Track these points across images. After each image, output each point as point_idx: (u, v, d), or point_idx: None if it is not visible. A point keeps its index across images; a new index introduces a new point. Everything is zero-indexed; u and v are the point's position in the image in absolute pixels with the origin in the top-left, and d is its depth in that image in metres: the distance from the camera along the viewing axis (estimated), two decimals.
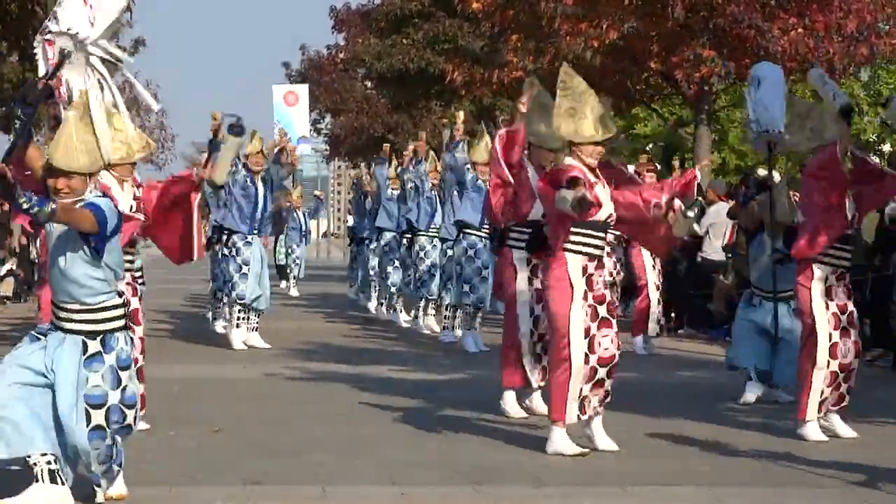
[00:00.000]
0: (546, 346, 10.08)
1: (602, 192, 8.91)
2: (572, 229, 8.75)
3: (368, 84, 45.32)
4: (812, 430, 9.39)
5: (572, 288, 8.68)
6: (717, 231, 18.16)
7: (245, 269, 15.60)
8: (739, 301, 12.25)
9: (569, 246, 8.77)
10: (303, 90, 42.86)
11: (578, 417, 8.75)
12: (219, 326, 17.24)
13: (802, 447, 9.04)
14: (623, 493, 7.46)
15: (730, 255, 18.07)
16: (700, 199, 14.80)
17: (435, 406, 10.90)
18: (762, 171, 19.80)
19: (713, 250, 17.72)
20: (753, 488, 7.66)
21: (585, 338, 8.68)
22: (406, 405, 10.93)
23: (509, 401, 10.42)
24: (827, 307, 9.39)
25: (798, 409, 9.48)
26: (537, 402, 10.44)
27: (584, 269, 8.73)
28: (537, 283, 10.21)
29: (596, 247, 8.81)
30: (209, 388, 12.14)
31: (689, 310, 18.30)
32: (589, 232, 8.79)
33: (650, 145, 43.77)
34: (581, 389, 8.69)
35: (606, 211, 8.90)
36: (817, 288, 9.39)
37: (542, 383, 10.29)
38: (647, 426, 9.90)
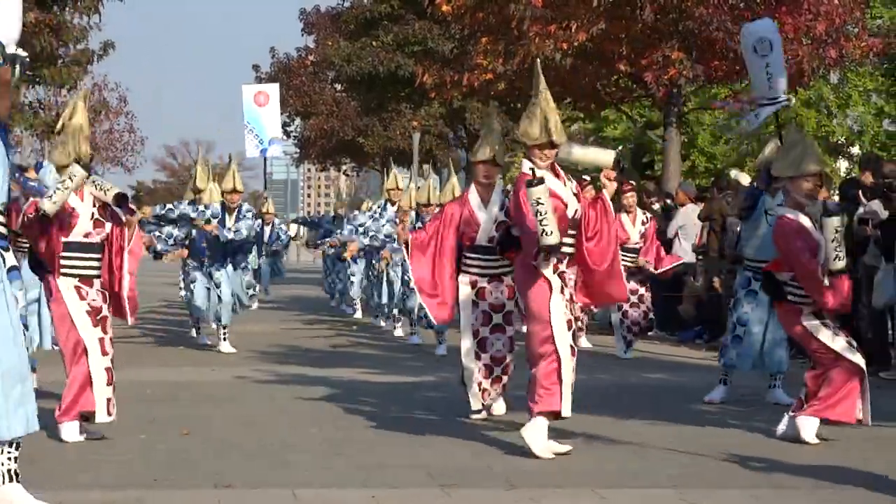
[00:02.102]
0: (492, 366, 10.13)
1: (563, 190, 8.80)
2: None
3: (338, 87, 45.34)
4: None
5: (548, 282, 8.60)
6: (686, 233, 18.20)
7: (209, 284, 15.65)
8: (738, 294, 11.54)
9: None
10: (273, 90, 42.75)
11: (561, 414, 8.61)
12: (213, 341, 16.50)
13: (776, 448, 9.04)
14: (593, 494, 7.45)
15: (700, 257, 18.09)
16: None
17: (406, 408, 10.89)
18: (734, 173, 19.89)
19: (683, 252, 17.73)
20: (726, 490, 7.66)
21: (569, 330, 8.60)
22: (377, 407, 10.92)
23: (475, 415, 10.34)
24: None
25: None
26: (497, 407, 10.42)
27: (555, 268, 8.65)
28: (490, 300, 10.21)
29: (566, 244, 8.70)
30: (181, 390, 12.10)
31: (660, 312, 18.33)
32: None
33: (620, 147, 43.87)
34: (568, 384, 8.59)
35: (573, 208, 8.80)
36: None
37: (486, 402, 10.27)
38: (618, 427, 9.91)
